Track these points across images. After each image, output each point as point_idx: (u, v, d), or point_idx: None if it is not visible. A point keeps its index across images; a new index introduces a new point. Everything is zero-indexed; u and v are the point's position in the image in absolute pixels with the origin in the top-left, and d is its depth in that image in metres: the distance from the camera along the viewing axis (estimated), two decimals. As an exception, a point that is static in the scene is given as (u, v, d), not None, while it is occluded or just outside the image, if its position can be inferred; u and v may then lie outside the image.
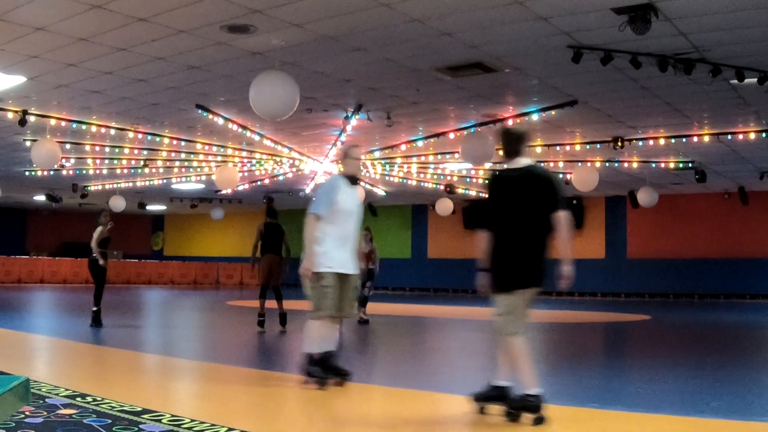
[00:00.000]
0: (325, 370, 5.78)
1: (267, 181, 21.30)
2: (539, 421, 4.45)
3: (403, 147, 15.47)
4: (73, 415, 4.37)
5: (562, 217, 4.60)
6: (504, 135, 4.95)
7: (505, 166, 4.90)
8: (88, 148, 16.08)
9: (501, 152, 4.96)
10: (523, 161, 4.81)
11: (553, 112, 11.77)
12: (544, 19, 7.68)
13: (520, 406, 4.57)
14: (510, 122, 4.46)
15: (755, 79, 9.12)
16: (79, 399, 4.89)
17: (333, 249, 5.79)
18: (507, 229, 4.65)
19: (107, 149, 16.23)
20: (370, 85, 10.66)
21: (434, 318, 15.44)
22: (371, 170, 18.85)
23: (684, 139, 13.76)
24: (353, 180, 6.05)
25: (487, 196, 4.86)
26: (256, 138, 14.47)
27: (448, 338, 11.56)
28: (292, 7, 7.45)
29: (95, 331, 10.19)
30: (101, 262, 10.69)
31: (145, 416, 4.41)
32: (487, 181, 4.83)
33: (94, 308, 10.69)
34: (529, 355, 4.62)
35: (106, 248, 10.89)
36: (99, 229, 10.81)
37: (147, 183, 22.47)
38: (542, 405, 4.49)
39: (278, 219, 11.21)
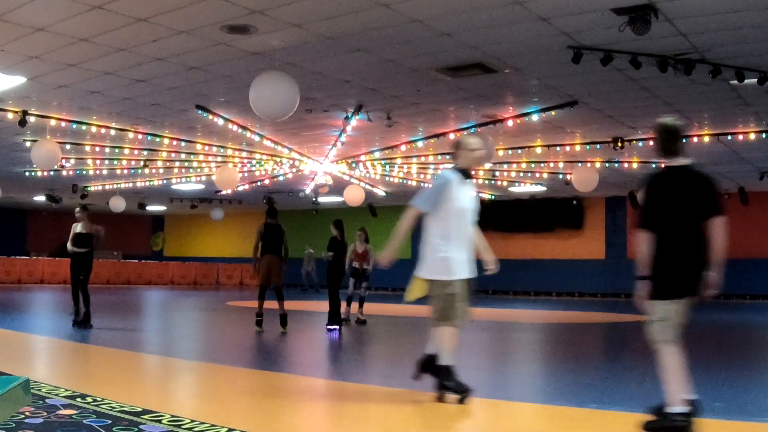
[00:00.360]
0: (453, 380, 5.31)
1: (267, 181, 21.31)
2: None
3: (403, 147, 15.48)
4: (73, 416, 4.37)
5: (719, 223, 4.26)
6: (662, 131, 4.52)
7: (664, 164, 4.49)
8: (88, 148, 16.09)
9: (657, 149, 4.55)
10: (682, 160, 4.44)
11: (553, 113, 11.77)
12: (544, 19, 7.68)
13: (661, 426, 4.14)
14: (665, 118, 4.10)
15: (755, 80, 9.12)
16: (79, 399, 4.88)
17: (455, 253, 5.34)
18: (668, 233, 4.33)
19: (107, 150, 16.23)
20: (370, 85, 10.66)
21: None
22: (371, 171, 18.86)
23: (684, 140, 13.76)
24: (467, 174, 5.54)
25: (644, 197, 4.46)
26: (256, 138, 14.48)
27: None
28: (292, 7, 7.45)
29: (95, 331, 10.18)
30: (70, 249, 10.53)
31: (145, 417, 4.41)
32: (645, 181, 4.52)
33: (75, 307, 10.49)
34: (682, 367, 4.24)
35: (90, 246, 10.57)
36: (74, 225, 10.72)
37: (147, 183, 22.48)
38: (691, 426, 4.10)
39: (278, 219, 11.21)
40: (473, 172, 5.54)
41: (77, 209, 10.77)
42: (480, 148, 5.71)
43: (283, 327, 10.79)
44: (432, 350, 5.47)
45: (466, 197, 5.47)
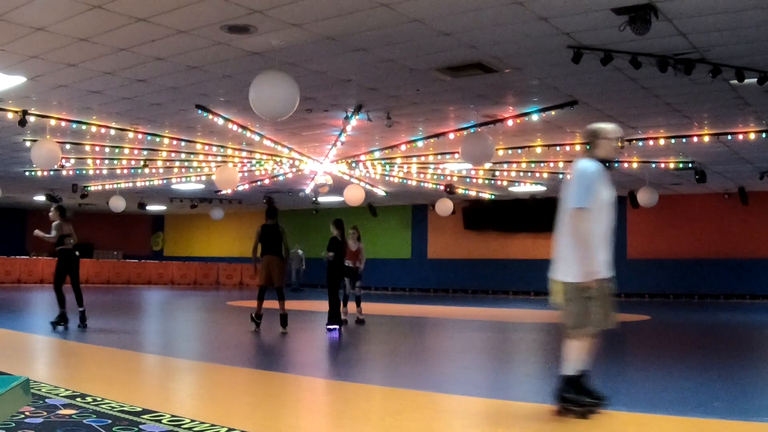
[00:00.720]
0: (579, 392, 4.83)
1: (267, 181, 21.31)
2: None
3: (403, 147, 15.47)
4: (73, 416, 4.37)
5: None
6: None
7: None
8: (88, 148, 16.08)
9: None
10: None
11: (553, 113, 11.76)
12: (544, 19, 7.68)
13: None
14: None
15: (755, 79, 9.12)
16: (79, 399, 4.89)
17: (596, 251, 4.77)
18: None
19: (107, 149, 16.23)
20: (370, 85, 10.66)
21: (437, 319, 15.43)
22: (371, 170, 18.86)
23: (684, 140, 13.76)
24: (607, 165, 5.07)
25: None
26: (256, 138, 14.47)
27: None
28: (292, 7, 7.44)
29: (95, 331, 10.18)
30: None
31: (145, 416, 4.42)
32: None
33: (81, 308, 10.47)
34: None
35: (63, 244, 10.47)
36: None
37: (147, 183, 22.48)
38: None
39: (278, 219, 11.21)
40: (612, 163, 5.16)
41: (51, 208, 10.72)
42: (620, 136, 5.22)
43: (284, 327, 10.80)
44: (585, 367, 4.93)
45: (608, 191, 4.96)
